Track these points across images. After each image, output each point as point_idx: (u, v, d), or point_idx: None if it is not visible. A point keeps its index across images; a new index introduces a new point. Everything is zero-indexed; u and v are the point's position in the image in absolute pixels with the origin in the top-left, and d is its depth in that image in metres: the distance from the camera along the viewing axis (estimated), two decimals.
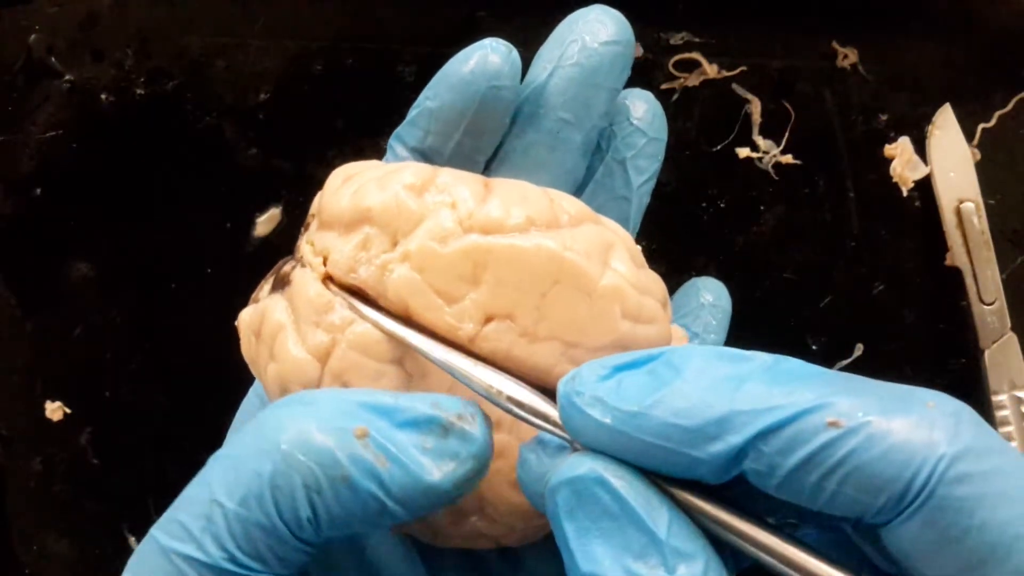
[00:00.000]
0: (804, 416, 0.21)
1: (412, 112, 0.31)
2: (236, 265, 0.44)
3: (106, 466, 0.45)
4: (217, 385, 0.45)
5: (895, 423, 0.21)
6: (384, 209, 0.28)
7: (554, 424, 0.24)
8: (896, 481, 0.21)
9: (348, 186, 0.29)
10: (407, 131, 0.32)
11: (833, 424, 0.21)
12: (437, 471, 0.24)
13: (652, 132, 0.34)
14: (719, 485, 0.23)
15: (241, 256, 0.44)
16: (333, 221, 0.29)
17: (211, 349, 0.44)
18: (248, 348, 0.30)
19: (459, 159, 0.31)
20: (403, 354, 0.27)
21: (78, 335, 0.45)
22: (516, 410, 0.25)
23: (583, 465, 0.23)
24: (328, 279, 0.28)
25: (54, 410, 0.44)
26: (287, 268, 0.29)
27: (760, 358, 0.23)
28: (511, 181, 0.29)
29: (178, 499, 0.25)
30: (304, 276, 0.28)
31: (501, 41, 0.30)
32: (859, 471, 0.21)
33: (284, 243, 0.44)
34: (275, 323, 0.28)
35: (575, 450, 0.23)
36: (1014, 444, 0.41)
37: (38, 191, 0.44)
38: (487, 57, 0.30)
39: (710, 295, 0.36)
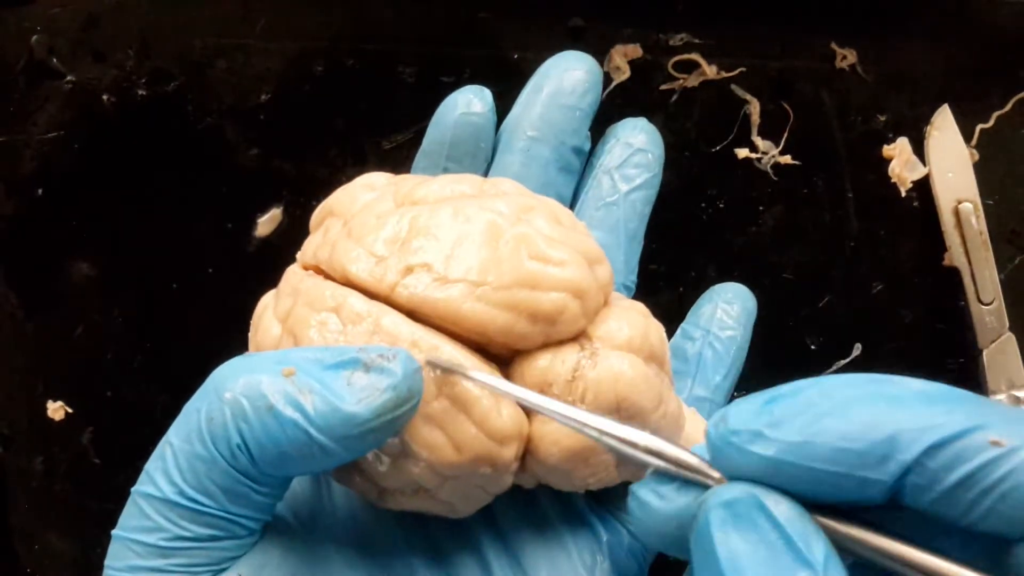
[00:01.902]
0: (968, 434, 0.22)
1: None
2: (237, 265, 0.44)
3: (107, 465, 0.45)
4: None
5: None
6: (340, 203, 0.32)
7: (682, 466, 0.25)
8: None
9: (324, 202, 0.34)
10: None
11: (995, 443, 0.22)
12: (355, 402, 0.26)
13: (639, 144, 0.37)
14: (856, 510, 0.23)
15: (242, 256, 0.44)
16: (311, 228, 0.33)
17: (212, 349, 0.44)
18: (250, 340, 0.33)
19: None
20: (338, 305, 0.29)
21: (79, 335, 0.45)
22: (644, 457, 0.25)
23: (740, 489, 0.23)
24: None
25: (55, 410, 0.45)
26: None
27: (908, 382, 0.24)
28: (454, 175, 0.33)
29: None
30: (290, 269, 0.33)
31: (475, 86, 0.36)
32: (1019, 489, 0.22)
33: (285, 243, 0.44)
34: (262, 306, 0.32)
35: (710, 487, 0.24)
36: None
37: (39, 191, 0.45)
38: (460, 95, 0.36)
39: (729, 293, 0.38)
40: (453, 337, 0.29)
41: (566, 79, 0.36)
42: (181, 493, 0.26)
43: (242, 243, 0.44)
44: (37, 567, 0.45)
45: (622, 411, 0.30)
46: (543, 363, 0.30)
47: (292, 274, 0.32)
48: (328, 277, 0.31)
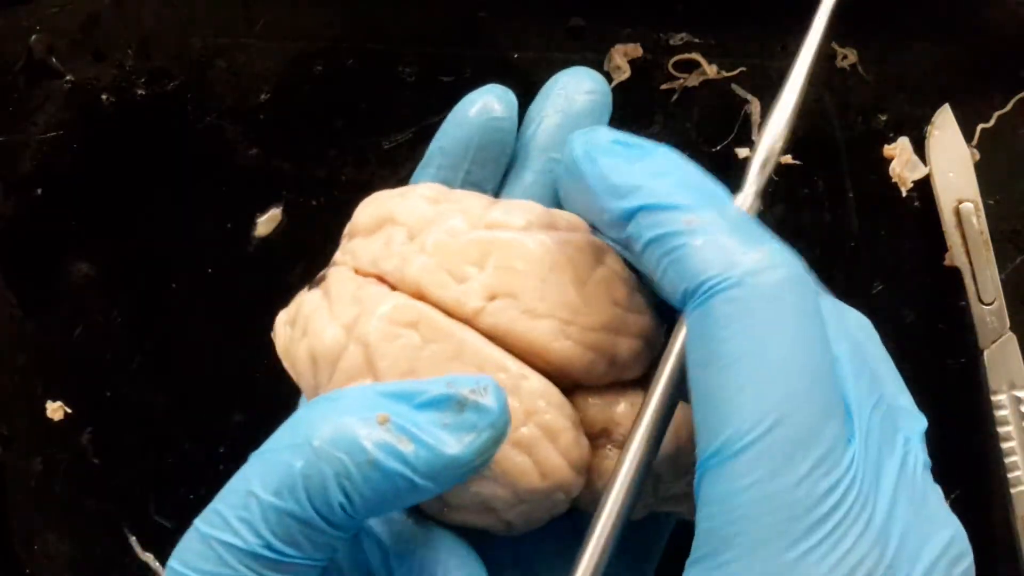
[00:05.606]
0: (673, 209, 0.27)
1: (424, 158, 0.36)
2: (237, 265, 0.44)
3: (107, 466, 0.45)
4: (217, 385, 0.45)
5: (727, 238, 0.27)
6: (404, 213, 0.32)
7: None
8: (695, 277, 0.26)
9: (371, 204, 0.33)
10: (420, 174, 0.36)
11: (688, 222, 0.27)
12: (457, 444, 0.26)
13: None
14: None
15: (242, 256, 0.44)
16: (359, 231, 0.33)
17: (211, 349, 0.44)
18: (283, 340, 0.32)
19: (468, 188, 0.35)
20: (418, 319, 0.29)
21: (78, 335, 0.45)
22: None
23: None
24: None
25: (55, 410, 0.45)
26: (319, 276, 0.33)
27: (692, 176, 0.29)
28: (514, 200, 0.33)
29: (220, 492, 0.27)
30: (338, 271, 0.32)
31: (499, 86, 0.36)
32: (683, 261, 0.27)
33: (285, 243, 0.44)
34: (310, 307, 0.31)
35: None
36: (1013, 444, 0.41)
37: (38, 191, 0.45)
38: (486, 97, 0.35)
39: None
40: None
41: (583, 102, 0.36)
42: (269, 547, 0.26)
43: (242, 243, 0.44)
44: (35, 567, 0.45)
45: (681, 459, 0.31)
46: (611, 403, 0.31)
47: (347, 279, 0.31)
48: (393, 288, 0.31)
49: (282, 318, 0.33)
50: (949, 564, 0.27)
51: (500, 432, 0.26)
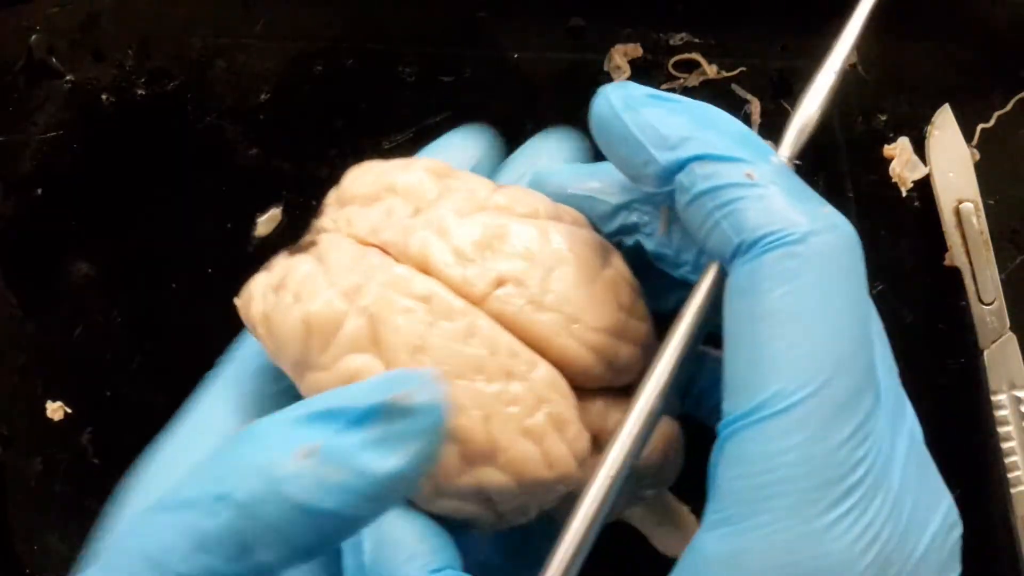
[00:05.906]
0: (733, 161, 0.27)
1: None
2: (236, 265, 0.44)
3: (107, 466, 0.45)
4: None
5: (787, 195, 0.27)
6: (408, 185, 0.31)
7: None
8: (755, 231, 0.26)
9: (368, 173, 0.32)
10: None
11: (748, 175, 0.27)
12: (393, 459, 0.22)
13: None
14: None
15: (241, 256, 0.44)
16: (355, 198, 0.31)
17: (212, 349, 0.44)
18: (264, 307, 0.30)
19: None
20: (429, 295, 0.28)
21: (79, 335, 0.45)
22: None
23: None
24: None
25: (55, 410, 0.45)
26: (305, 241, 0.31)
27: (729, 122, 0.30)
28: (519, 186, 0.33)
29: (97, 554, 0.23)
30: (332, 237, 0.30)
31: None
32: (739, 214, 0.26)
33: (285, 243, 0.43)
34: (303, 272, 0.30)
35: None
36: (1013, 444, 0.41)
37: (38, 191, 0.45)
38: (476, 131, 0.38)
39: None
40: None
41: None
42: None
43: (242, 243, 0.44)
44: (36, 567, 0.45)
45: (665, 471, 0.31)
46: (604, 408, 0.30)
47: (344, 246, 0.30)
48: (396, 261, 0.30)
49: (262, 282, 0.31)
50: (946, 533, 0.27)
51: (436, 433, 0.23)
